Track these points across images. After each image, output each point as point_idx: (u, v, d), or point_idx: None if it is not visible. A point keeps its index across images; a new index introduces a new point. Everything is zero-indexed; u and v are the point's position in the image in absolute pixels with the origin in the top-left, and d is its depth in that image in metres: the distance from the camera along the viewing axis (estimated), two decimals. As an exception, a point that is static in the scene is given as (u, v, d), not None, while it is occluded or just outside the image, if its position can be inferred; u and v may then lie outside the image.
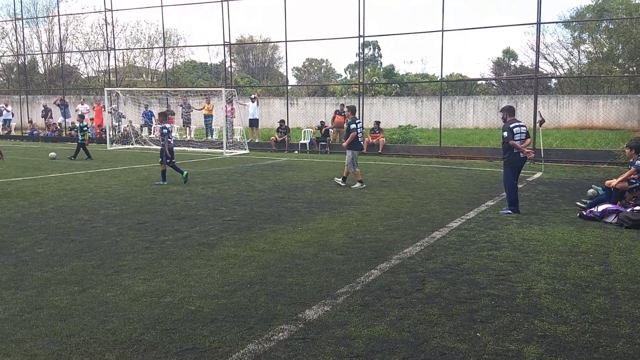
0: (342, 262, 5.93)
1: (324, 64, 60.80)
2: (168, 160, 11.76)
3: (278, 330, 4.14)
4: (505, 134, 8.49)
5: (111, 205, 9.18)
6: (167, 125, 11.98)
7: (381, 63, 53.49)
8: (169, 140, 11.79)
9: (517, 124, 8.57)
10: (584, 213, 8.30)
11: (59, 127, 27.49)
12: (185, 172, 11.92)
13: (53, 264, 5.83)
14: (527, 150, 8.52)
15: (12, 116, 29.45)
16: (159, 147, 12.22)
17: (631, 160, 8.97)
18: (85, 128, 17.64)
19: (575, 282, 5.25)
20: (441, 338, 3.99)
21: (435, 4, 58.53)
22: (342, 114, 22.08)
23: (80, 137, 17.23)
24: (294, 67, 57.38)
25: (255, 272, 5.59)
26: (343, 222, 7.99)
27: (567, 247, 6.57)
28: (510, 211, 8.57)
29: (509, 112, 8.65)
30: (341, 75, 58.64)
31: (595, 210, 8.18)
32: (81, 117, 18.64)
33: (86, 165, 15.56)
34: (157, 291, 4.97)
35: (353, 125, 11.54)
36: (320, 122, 22.18)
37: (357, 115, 12.38)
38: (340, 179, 11.76)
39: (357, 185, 11.33)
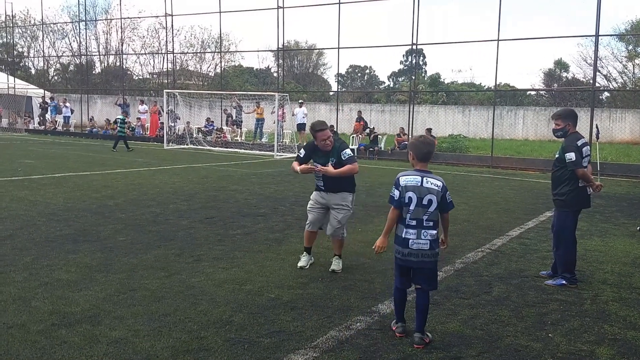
0: (406, 263, 6.14)
1: (367, 71, 61.11)
2: None
3: (355, 320, 4.41)
4: (572, 156, 5.36)
5: (178, 200, 9.68)
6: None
7: (425, 71, 53.35)
8: None
9: (584, 141, 5.54)
10: (646, 227, 8.26)
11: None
12: None
13: (137, 251, 6.28)
14: (597, 183, 5.57)
15: (72, 113, 30.90)
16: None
17: None
18: (124, 121, 20.56)
19: (642, 293, 5.32)
20: (514, 337, 4.17)
21: (477, 13, 57.77)
22: (359, 120, 23.15)
23: (119, 130, 20.28)
24: (336, 74, 57.90)
25: (324, 267, 5.87)
26: (401, 226, 8.19)
27: (629, 259, 6.60)
28: (564, 281, 5.46)
29: (573, 121, 5.54)
30: (384, 83, 58.80)
31: (658, 224, 8.14)
32: (125, 113, 22.66)
33: (148, 163, 16.28)
34: (237, 279, 5.32)
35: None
36: (370, 128, 22.43)
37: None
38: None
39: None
